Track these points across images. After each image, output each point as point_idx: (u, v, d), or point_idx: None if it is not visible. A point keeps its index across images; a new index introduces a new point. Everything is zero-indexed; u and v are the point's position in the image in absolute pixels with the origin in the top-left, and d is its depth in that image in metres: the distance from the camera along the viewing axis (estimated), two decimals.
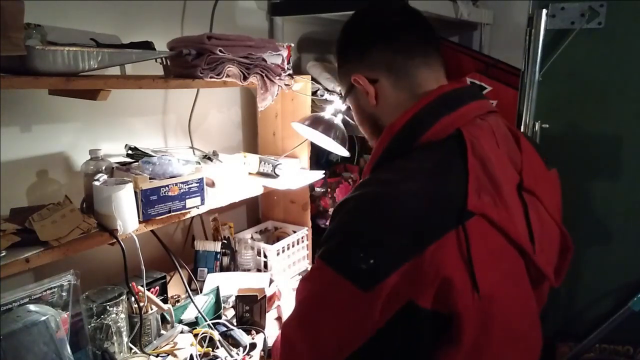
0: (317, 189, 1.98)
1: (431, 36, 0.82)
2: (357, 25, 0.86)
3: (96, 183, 1.13)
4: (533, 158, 0.80)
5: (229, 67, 1.31)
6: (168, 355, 1.24)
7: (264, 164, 1.69)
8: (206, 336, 1.29)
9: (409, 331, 0.67)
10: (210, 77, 1.28)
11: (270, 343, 1.32)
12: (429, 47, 0.82)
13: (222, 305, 1.46)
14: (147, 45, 1.19)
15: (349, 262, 0.67)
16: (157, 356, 1.24)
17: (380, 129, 0.81)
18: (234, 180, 1.52)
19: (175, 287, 1.57)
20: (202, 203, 1.33)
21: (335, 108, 1.59)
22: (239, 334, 1.34)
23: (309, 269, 1.61)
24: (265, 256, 1.70)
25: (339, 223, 0.71)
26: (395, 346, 0.68)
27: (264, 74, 1.42)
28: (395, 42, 0.80)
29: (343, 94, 0.91)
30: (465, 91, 0.81)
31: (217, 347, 1.28)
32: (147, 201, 1.19)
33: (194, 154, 1.67)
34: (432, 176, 0.71)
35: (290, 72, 1.55)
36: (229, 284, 1.54)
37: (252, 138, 2.00)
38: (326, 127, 1.55)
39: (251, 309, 1.41)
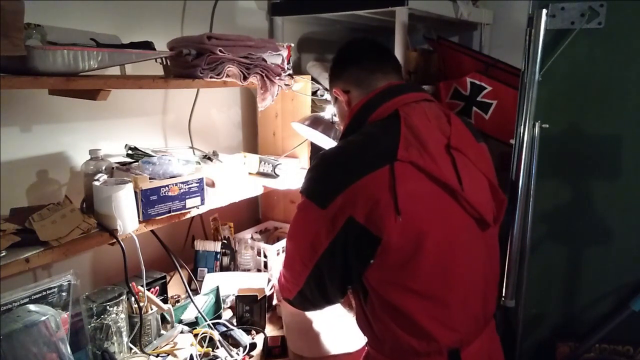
0: None
1: (390, 59, 1.15)
2: (340, 54, 1.19)
3: (96, 183, 1.13)
4: (461, 130, 1.05)
5: (229, 67, 1.31)
6: (168, 355, 1.24)
7: (264, 164, 1.69)
8: (206, 336, 1.29)
9: (351, 240, 0.93)
10: (210, 77, 1.28)
11: (270, 343, 1.33)
12: (388, 66, 1.13)
13: (222, 305, 1.46)
14: (147, 45, 1.19)
15: (313, 190, 0.99)
16: (157, 356, 1.24)
17: None
18: (234, 180, 1.52)
19: (175, 287, 1.57)
20: (202, 203, 1.33)
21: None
22: (239, 334, 1.34)
23: None
24: (265, 256, 1.70)
25: (310, 169, 1.03)
26: (344, 253, 0.95)
27: (264, 74, 1.42)
28: (362, 64, 1.12)
29: (332, 103, 1.25)
30: (405, 85, 1.11)
31: (217, 347, 1.28)
32: (147, 201, 1.19)
33: (194, 154, 1.66)
34: (373, 137, 0.99)
35: (290, 72, 1.55)
36: (229, 284, 1.54)
37: (252, 138, 2.00)
38: (326, 127, 1.55)
39: (251, 309, 1.41)
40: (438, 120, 1.03)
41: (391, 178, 0.90)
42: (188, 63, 1.27)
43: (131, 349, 1.23)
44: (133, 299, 1.24)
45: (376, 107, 1.03)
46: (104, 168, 1.23)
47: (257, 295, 1.40)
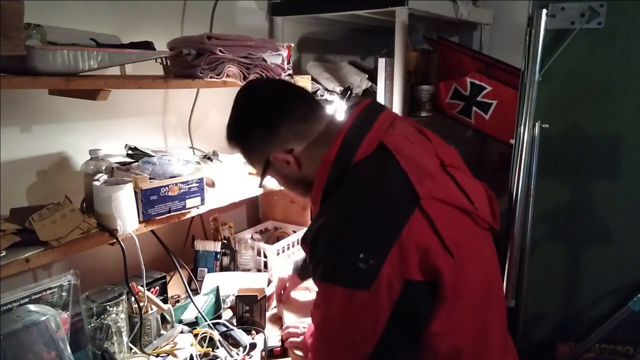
0: None
1: (308, 94, 1.01)
2: (253, 115, 0.98)
3: (96, 183, 1.13)
4: (439, 142, 0.98)
5: (229, 67, 1.31)
6: (168, 355, 1.24)
7: None
8: (206, 336, 1.29)
9: (413, 304, 0.81)
10: (210, 77, 1.28)
11: (270, 343, 1.32)
12: (313, 103, 0.98)
13: (222, 305, 1.46)
14: (147, 45, 1.19)
15: (344, 274, 0.81)
16: (157, 356, 1.24)
17: (312, 184, 0.94)
18: (234, 180, 1.52)
19: (175, 287, 1.57)
20: (202, 203, 1.33)
21: (335, 108, 1.59)
22: (239, 334, 1.33)
23: None
24: (265, 256, 1.69)
25: (324, 247, 0.84)
26: (406, 322, 0.82)
27: (264, 74, 1.42)
28: (292, 114, 0.95)
29: (260, 175, 1.01)
30: (370, 107, 0.96)
31: (217, 347, 1.28)
32: (147, 201, 1.19)
33: (194, 154, 1.66)
34: (378, 180, 0.86)
35: (290, 72, 1.56)
36: (229, 284, 1.54)
37: None
38: None
39: (251, 309, 1.41)
40: (418, 139, 0.96)
41: (428, 221, 0.81)
42: (188, 63, 1.27)
43: (131, 349, 1.23)
44: (133, 299, 1.24)
45: (358, 144, 0.88)
46: (104, 168, 1.23)
47: (257, 295, 1.40)
